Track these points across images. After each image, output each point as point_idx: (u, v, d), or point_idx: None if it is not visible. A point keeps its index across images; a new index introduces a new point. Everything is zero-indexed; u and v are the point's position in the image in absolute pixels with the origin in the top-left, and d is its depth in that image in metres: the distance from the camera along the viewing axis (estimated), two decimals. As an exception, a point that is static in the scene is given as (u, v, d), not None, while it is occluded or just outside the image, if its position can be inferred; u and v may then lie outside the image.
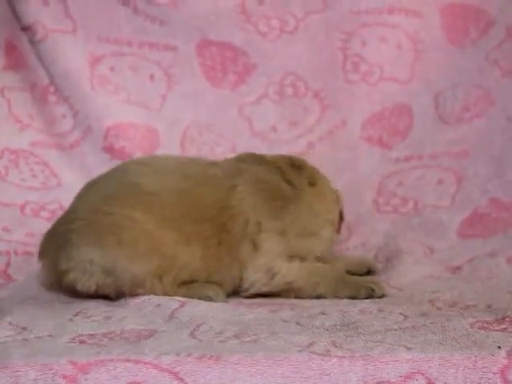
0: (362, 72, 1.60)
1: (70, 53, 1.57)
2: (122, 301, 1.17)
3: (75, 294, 1.20)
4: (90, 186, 1.27)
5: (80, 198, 1.26)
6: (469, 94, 1.59)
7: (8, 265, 1.40)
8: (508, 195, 1.51)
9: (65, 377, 0.87)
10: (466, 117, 1.58)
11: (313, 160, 1.52)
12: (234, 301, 1.19)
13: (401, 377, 0.87)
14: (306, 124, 1.60)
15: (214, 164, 1.29)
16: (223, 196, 1.24)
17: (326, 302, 1.18)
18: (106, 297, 1.19)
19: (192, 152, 1.58)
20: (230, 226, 1.23)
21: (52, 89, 1.58)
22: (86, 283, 1.18)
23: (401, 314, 1.07)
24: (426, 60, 1.61)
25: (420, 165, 1.57)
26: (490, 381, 0.87)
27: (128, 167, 1.28)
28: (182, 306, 1.12)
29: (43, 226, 1.40)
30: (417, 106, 1.60)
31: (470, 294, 1.20)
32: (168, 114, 1.60)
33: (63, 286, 1.21)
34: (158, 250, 1.19)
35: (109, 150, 1.56)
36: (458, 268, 1.39)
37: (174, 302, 1.14)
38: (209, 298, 1.19)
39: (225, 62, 1.60)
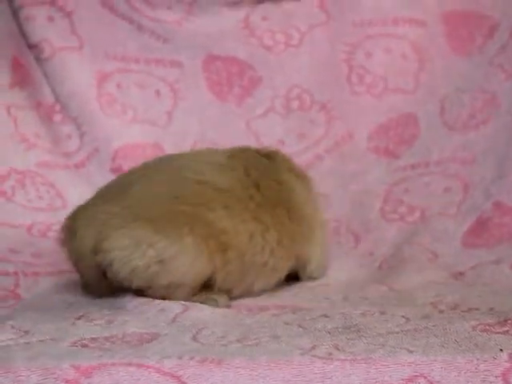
0: (366, 84, 1.61)
1: (77, 71, 1.58)
2: (125, 304, 1.16)
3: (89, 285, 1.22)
4: (139, 176, 1.25)
5: (136, 183, 1.23)
6: (475, 99, 1.58)
7: (17, 285, 1.38)
8: (510, 197, 1.50)
9: (67, 381, 0.87)
10: (472, 124, 1.58)
11: (321, 172, 1.57)
12: (236, 305, 1.19)
13: (403, 380, 0.87)
14: (312, 137, 1.61)
15: (232, 155, 1.31)
16: (279, 185, 1.30)
17: (327, 304, 1.18)
18: (111, 295, 1.20)
19: None
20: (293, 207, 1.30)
21: (58, 107, 1.59)
22: (129, 264, 1.15)
23: (403, 316, 1.07)
24: (430, 68, 1.61)
25: (426, 172, 1.57)
26: (492, 384, 0.88)
27: (182, 163, 1.28)
28: (185, 310, 1.12)
29: (50, 246, 1.42)
30: (422, 114, 1.60)
31: (472, 296, 1.20)
32: (174, 130, 1.61)
33: (88, 267, 1.19)
34: (231, 246, 1.20)
35: (116, 171, 1.56)
36: (462, 274, 1.39)
37: (177, 306, 1.14)
38: (214, 302, 1.18)
39: (230, 76, 1.61)
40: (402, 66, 1.61)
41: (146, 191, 1.21)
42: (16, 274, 1.40)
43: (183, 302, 1.15)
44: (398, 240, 1.50)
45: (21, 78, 1.59)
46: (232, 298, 1.22)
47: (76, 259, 1.22)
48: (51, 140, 1.58)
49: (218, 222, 1.20)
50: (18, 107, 1.58)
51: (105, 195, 1.24)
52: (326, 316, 1.09)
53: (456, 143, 1.58)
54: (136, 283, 1.16)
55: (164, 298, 1.16)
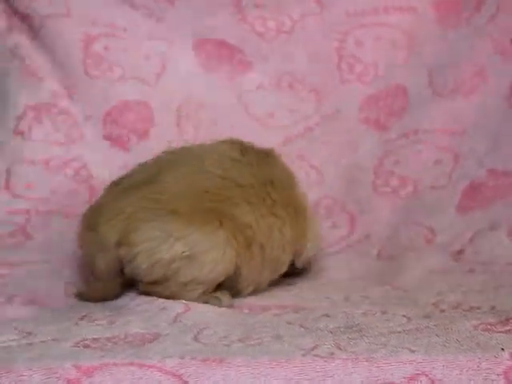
0: (356, 72, 1.60)
1: (64, 37, 1.55)
2: (127, 304, 1.17)
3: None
4: (162, 168, 1.24)
5: (161, 175, 1.22)
6: (463, 71, 1.56)
7: (28, 221, 1.41)
8: (505, 165, 1.49)
9: (68, 381, 0.87)
10: (460, 91, 1.56)
11: (311, 145, 1.56)
12: (237, 305, 1.19)
13: (405, 378, 0.88)
14: (303, 112, 1.59)
15: (245, 150, 1.32)
16: (285, 182, 1.31)
17: (329, 304, 1.18)
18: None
19: (189, 131, 1.57)
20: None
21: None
22: (153, 256, 1.15)
23: (404, 316, 1.07)
24: (419, 48, 1.60)
25: (416, 139, 1.56)
26: (494, 382, 0.87)
27: (203, 156, 1.28)
28: (186, 310, 1.12)
29: (66, 184, 1.46)
30: (411, 86, 1.58)
31: (473, 295, 1.20)
32: (163, 89, 1.58)
33: (108, 262, 1.18)
34: (254, 241, 1.21)
35: (109, 139, 1.55)
36: (461, 252, 1.39)
37: (179, 305, 1.14)
38: (218, 301, 1.19)
39: (221, 58, 1.59)
40: (392, 54, 1.60)
41: (174, 184, 1.20)
42: (28, 212, 1.43)
43: (184, 302, 1.15)
44: (394, 219, 1.50)
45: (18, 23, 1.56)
46: (235, 296, 1.23)
47: (95, 253, 1.18)
48: (60, 71, 1.56)
49: (243, 216, 1.21)
50: (22, 47, 1.55)
51: (128, 188, 1.21)
52: (327, 316, 1.09)
53: (445, 111, 1.56)
54: (155, 276, 1.16)
55: (172, 297, 1.16)
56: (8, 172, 1.49)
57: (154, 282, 1.17)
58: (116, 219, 1.17)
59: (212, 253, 1.17)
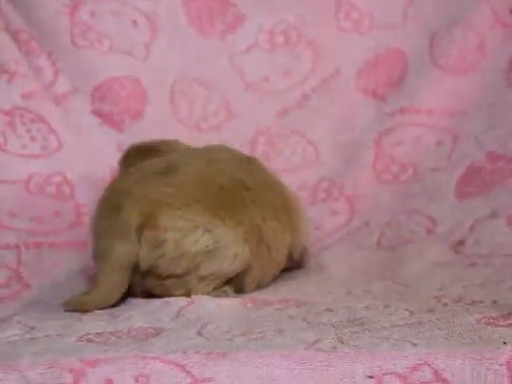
0: (353, 19, 1.56)
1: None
2: (129, 299, 1.17)
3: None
4: (176, 160, 1.24)
5: (179, 167, 1.21)
6: (465, 38, 1.54)
7: (19, 262, 1.35)
8: (503, 147, 1.49)
9: (72, 371, 0.88)
10: (461, 68, 1.54)
11: (309, 114, 1.54)
12: (240, 299, 1.18)
13: (407, 368, 0.88)
14: (299, 73, 1.56)
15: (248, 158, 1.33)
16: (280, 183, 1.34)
17: (331, 298, 1.18)
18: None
19: (184, 108, 1.54)
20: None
21: (26, 35, 1.50)
22: (180, 248, 1.14)
23: (406, 310, 1.07)
24: (418, 2, 1.57)
25: (417, 121, 1.54)
26: (497, 372, 0.87)
27: (212, 155, 1.27)
28: (189, 304, 1.12)
29: (49, 206, 1.41)
30: (411, 49, 1.56)
31: (475, 289, 1.20)
32: (154, 64, 1.54)
33: (126, 244, 1.14)
34: (262, 241, 1.22)
35: (98, 114, 1.52)
36: (461, 243, 1.38)
37: (181, 299, 1.14)
38: (225, 293, 1.19)
39: (212, 12, 1.55)
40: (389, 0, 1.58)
41: (194, 175, 1.20)
42: (18, 246, 1.37)
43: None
44: (393, 205, 1.50)
45: None
46: (238, 293, 1.23)
47: (115, 239, 1.14)
48: (30, 68, 1.50)
49: (253, 217, 1.22)
50: None
51: (148, 174, 1.20)
52: (330, 310, 1.09)
53: (445, 89, 1.54)
54: (178, 270, 1.16)
55: (185, 293, 1.16)
56: None
57: (172, 276, 1.16)
58: (141, 203, 1.15)
59: (233, 248, 1.17)
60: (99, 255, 1.16)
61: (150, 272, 1.16)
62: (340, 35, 1.56)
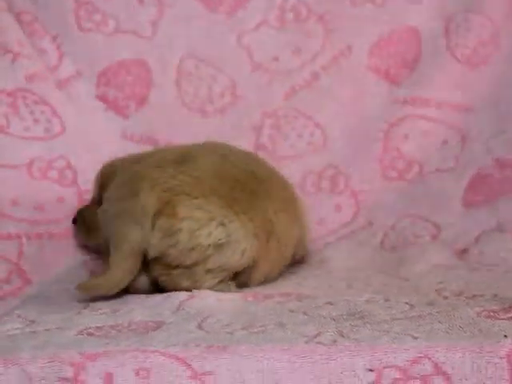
0: None
1: None
2: (129, 294, 1.17)
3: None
4: (192, 151, 1.24)
5: (195, 157, 1.21)
6: (483, 26, 1.52)
7: (21, 254, 1.34)
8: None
9: (72, 364, 0.88)
10: (474, 60, 1.52)
11: (318, 96, 1.50)
12: (241, 293, 1.18)
13: (408, 361, 0.88)
14: (308, 51, 1.52)
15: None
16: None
17: (332, 292, 1.18)
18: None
19: (189, 91, 1.51)
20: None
21: (30, 17, 1.48)
22: (194, 240, 1.14)
23: (407, 303, 1.07)
24: None
25: (426, 114, 1.51)
26: (497, 365, 0.88)
27: (223, 150, 1.28)
28: (190, 298, 1.12)
29: (52, 192, 1.39)
30: (426, 31, 1.53)
31: (476, 283, 1.21)
32: (161, 42, 1.51)
33: (141, 228, 1.13)
34: (272, 235, 1.21)
35: (103, 99, 1.50)
36: (465, 251, 1.39)
37: (182, 293, 1.14)
38: (228, 287, 1.19)
39: None
40: None
41: (209, 166, 1.20)
42: (19, 236, 1.36)
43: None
44: (398, 206, 1.49)
45: None
46: (242, 287, 1.23)
47: (131, 223, 1.13)
48: (34, 49, 1.47)
49: (265, 210, 1.22)
50: None
51: (163, 161, 1.20)
52: (330, 303, 1.09)
53: (457, 80, 1.51)
54: (188, 261, 1.15)
55: (192, 285, 1.16)
56: None
57: (181, 266, 1.16)
58: (158, 188, 1.15)
59: (244, 242, 1.18)
60: (113, 238, 1.14)
61: (159, 260, 1.16)
62: (352, 9, 1.52)
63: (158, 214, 1.13)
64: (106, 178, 1.29)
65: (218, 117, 1.49)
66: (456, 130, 1.51)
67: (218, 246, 1.15)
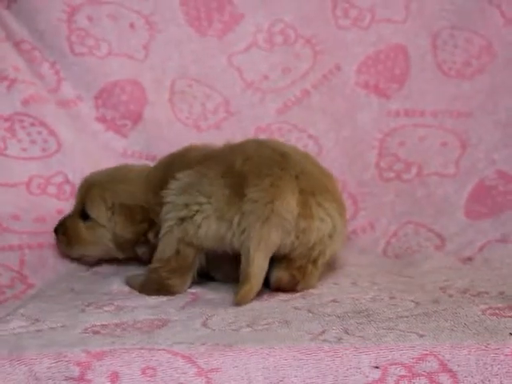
0: (352, 18, 1.55)
1: (45, 7, 1.49)
2: (132, 293, 1.19)
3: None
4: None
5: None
6: (470, 43, 1.54)
7: (22, 263, 1.37)
8: None
9: (79, 364, 0.88)
10: (467, 72, 1.54)
11: (310, 110, 1.52)
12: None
13: (413, 358, 0.88)
14: (298, 71, 1.55)
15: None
16: None
17: (337, 289, 1.18)
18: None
19: (183, 108, 1.53)
20: None
21: (29, 46, 1.50)
22: (320, 234, 1.16)
23: (412, 301, 1.08)
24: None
25: (421, 122, 1.54)
26: (503, 362, 0.88)
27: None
28: (194, 299, 1.13)
29: (52, 205, 1.41)
30: (413, 49, 1.55)
31: (481, 281, 1.21)
32: (153, 64, 1.53)
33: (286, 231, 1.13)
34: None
35: (101, 120, 1.52)
36: (470, 259, 1.39)
37: (186, 295, 1.16)
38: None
39: (210, 11, 1.54)
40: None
41: (305, 166, 1.21)
42: (21, 247, 1.38)
43: (193, 291, 1.17)
44: (398, 208, 1.50)
45: None
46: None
47: (271, 223, 1.11)
48: (32, 74, 1.50)
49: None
50: None
51: (270, 163, 1.18)
52: (335, 301, 1.09)
53: (451, 93, 1.54)
54: (313, 255, 1.18)
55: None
56: None
57: (303, 262, 1.18)
58: (296, 190, 1.15)
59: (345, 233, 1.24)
60: (252, 240, 1.10)
61: (284, 259, 1.17)
62: (338, 32, 1.55)
63: (298, 215, 1.14)
64: (85, 191, 1.33)
65: (213, 131, 1.50)
66: (455, 134, 1.53)
67: (329, 237, 1.18)
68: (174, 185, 1.19)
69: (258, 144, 1.26)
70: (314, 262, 1.18)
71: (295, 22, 1.55)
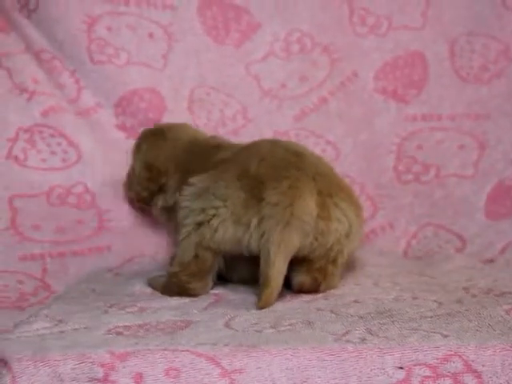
0: (369, 25, 1.55)
1: (65, 17, 1.49)
2: (155, 294, 1.19)
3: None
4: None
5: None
6: (487, 48, 1.54)
7: (45, 271, 1.40)
8: None
9: (103, 365, 0.88)
10: (485, 77, 1.54)
11: (327, 117, 1.53)
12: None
13: (438, 359, 0.88)
14: (315, 79, 1.55)
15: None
16: None
17: (359, 290, 1.18)
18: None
19: (202, 115, 1.54)
20: None
21: (49, 55, 1.50)
22: (337, 234, 1.16)
23: (435, 301, 1.08)
24: (438, 4, 1.55)
25: (439, 126, 1.54)
26: (527, 363, 0.88)
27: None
28: (217, 300, 1.14)
29: (72, 215, 1.44)
30: (431, 55, 1.55)
31: (504, 280, 1.20)
32: (172, 73, 1.53)
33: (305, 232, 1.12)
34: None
35: (122, 128, 1.52)
36: (492, 260, 1.39)
37: (209, 296, 1.16)
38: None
39: (227, 21, 1.55)
40: (407, 2, 1.55)
41: (318, 165, 1.22)
42: (43, 257, 1.41)
43: (216, 292, 1.17)
44: (417, 210, 1.50)
45: (2, 22, 1.51)
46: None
47: (291, 226, 1.10)
48: (52, 85, 1.51)
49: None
50: (9, 55, 1.50)
51: (284, 163, 1.18)
52: (357, 302, 1.09)
53: (468, 97, 1.54)
54: (331, 255, 1.18)
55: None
56: (13, 210, 1.43)
57: (322, 262, 1.18)
58: (314, 192, 1.15)
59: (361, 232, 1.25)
60: (272, 243, 1.10)
61: (304, 262, 1.17)
62: (356, 39, 1.55)
63: (317, 217, 1.14)
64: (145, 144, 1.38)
65: (231, 137, 1.50)
66: (472, 136, 1.53)
67: (346, 237, 1.18)
68: (187, 191, 1.20)
69: (272, 144, 1.26)
70: (334, 261, 1.18)
71: (312, 30, 1.55)
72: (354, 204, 1.21)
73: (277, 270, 1.08)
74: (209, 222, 1.15)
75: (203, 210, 1.15)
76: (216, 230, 1.14)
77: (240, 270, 1.21)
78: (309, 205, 1.12)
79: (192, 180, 1.20)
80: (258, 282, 1.10)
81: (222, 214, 1.14)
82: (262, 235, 1.10)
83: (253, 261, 1.12)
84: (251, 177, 1.15)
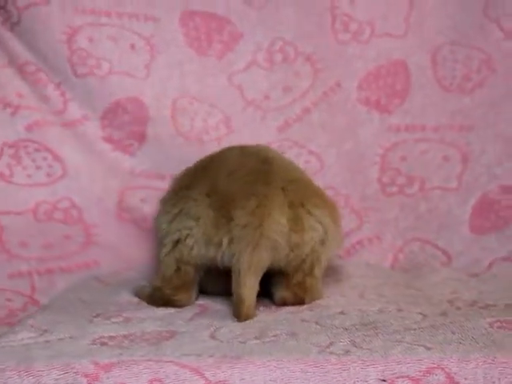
0: (352, 32, 1.54)
1: (46, 29, 1.48)
2: (141, 303, 1.19)
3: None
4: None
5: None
6: (469, 58, 1.54)
7: (33, 288, 1.40)
8: None
9: (86, 375, 0.88)
10: (467, 87, 1.53)
11: (311, 127, 1.53)
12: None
13: (420, 372, 0.88)
14: (299, 89, 1.55)
15: None
16: None
17: (344, 301, 1.18)
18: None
19: (185, 124, 1.53)
20: None
21: (33, 68, 1.50)
22: (312, 245, 1.17)
23: (420, 313, 1.08)
24: (421, 13, 1.54)
25: (422, 137, 1.53)
26: (510, 376, 0.87)
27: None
28: (202, 311, 1.14)
29: (59, 231, 1.44)
30: (413, 65, 1.54)
31: (489, 292, 1.21)
32: (154, 84, 1.53)
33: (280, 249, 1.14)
34: None
35: (108, 140, 1.52)
36: (477, 275, 1.39)
37: (194, 307, 1.16)
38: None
39: (209, 32, 1.54)
40: (389, 9, 1.55)
41: (286, 174, 1.22)
42: (30, 274, 1.41)
43: (201, 302, 1.18)
44: (402, 223, 1.51)
45: None
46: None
47: (264, 243, 1.11)
48: (37, 98, 1.50)
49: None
50: None
51: (252, 176, 1.18)
52: (342, 313, 1.09)
53: (452, 107, 1.53)
54: (307, 268, 1.19)
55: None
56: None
57: (299, 276, 1.18)
58: (284, 206, 1.15)
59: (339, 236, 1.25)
60: (243, 263, 1.10)
61: (280, 275, 1.18)
62: (338, 47, 1.55)
63: (289, 230, 1.15)
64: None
65: (215, 144, 1.50)
66: (456, 147, 1.53)
67: (322, 244, 1.18)
68: (164, 218, 1.22)
69: (241, 152, 1.26)
70: (311, 273, 1.18)
71: (295, 39, 1.54)
72: (329, 207, 1.21)
73: (248, 288, 1.09)
74: (185, 240, 1.17)
75: (179, 230, 1.18)
76: (192, 248, 1.16)
77: (218, 282, 1.21)
78: (279, 222, 1.13)
79: (167, 208, 1.22)
80: (230, 295, 1.11)
81: (195, 234, 1.16)
82: (233, 255, 1.11)
83: (226, 274, 1.12)
84: (220, 193, 1.16)
